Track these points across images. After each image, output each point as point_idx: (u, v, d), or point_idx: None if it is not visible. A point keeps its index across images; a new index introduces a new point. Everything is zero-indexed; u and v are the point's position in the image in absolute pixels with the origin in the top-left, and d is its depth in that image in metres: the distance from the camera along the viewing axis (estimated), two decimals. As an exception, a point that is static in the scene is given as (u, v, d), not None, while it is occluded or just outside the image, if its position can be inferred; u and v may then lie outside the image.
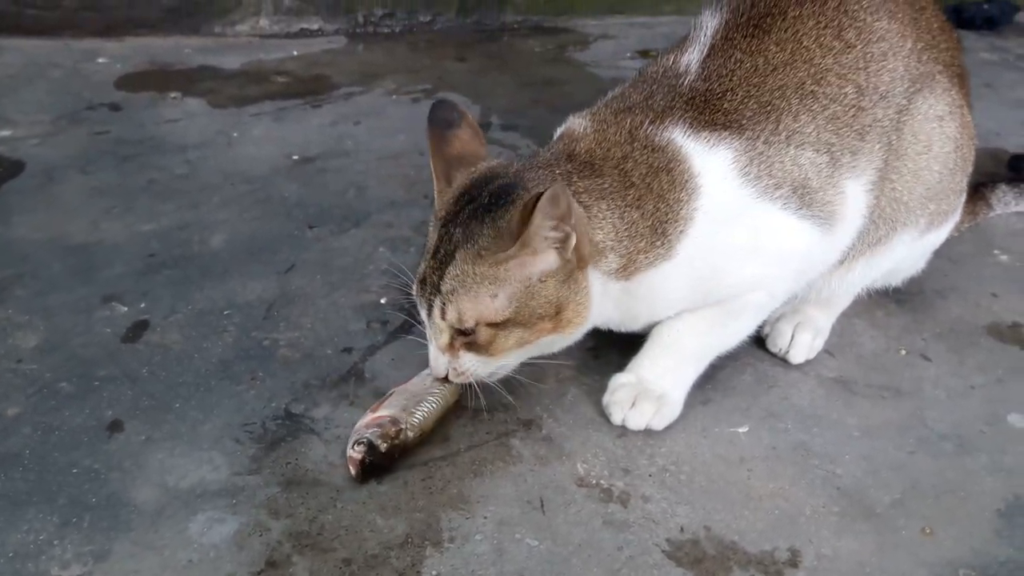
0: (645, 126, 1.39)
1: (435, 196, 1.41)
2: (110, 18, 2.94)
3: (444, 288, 1.31)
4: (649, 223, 1.35)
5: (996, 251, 2.01)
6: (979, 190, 2.06)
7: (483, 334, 1.32)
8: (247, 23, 3.10)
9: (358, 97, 2.67)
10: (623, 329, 1.49)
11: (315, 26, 3.17)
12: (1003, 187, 2.11)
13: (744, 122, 1.38)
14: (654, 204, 1.35)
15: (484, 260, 1.28)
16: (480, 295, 1.29)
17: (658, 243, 1.35)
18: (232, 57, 2.89)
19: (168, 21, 3.00)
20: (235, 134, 2.39)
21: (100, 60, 2.80)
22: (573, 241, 1.27)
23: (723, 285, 1.42)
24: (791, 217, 1.39)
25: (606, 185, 1.35)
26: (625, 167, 1.36)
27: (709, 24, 1.49)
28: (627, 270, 1.36)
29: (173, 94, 2.60)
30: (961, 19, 3.50)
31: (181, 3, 3.00)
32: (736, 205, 1.37)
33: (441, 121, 1.43)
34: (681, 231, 1.35)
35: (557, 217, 1.23)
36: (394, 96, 2.69)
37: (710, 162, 1.36)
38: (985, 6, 3.56)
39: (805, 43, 1.43)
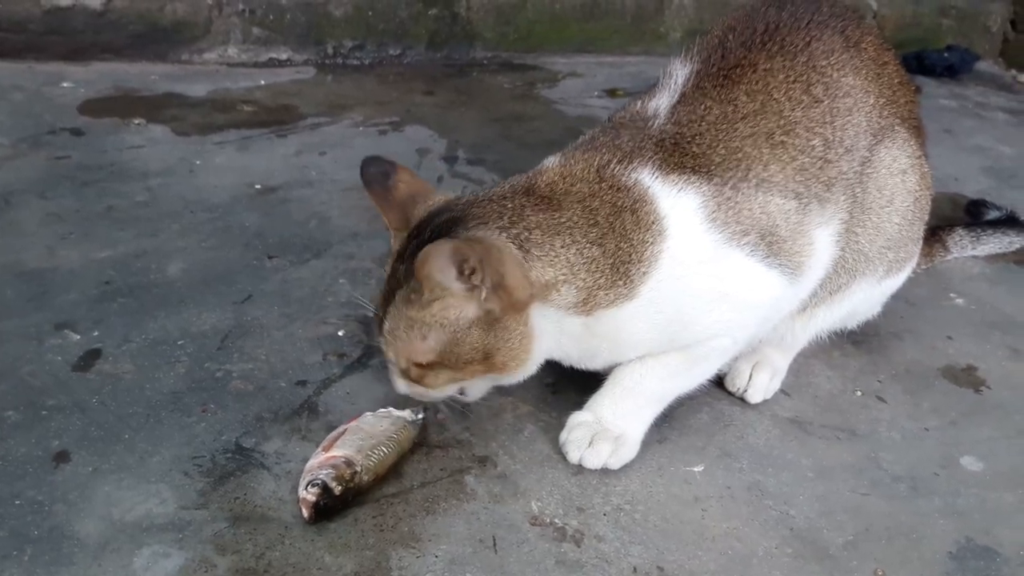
0: (612, 165, 1.39)
1: (391, 242, 1.43)
2: (76, 42, 2.92)
3: (385, 328, 1.34)
4: (610, 261, 1.34)
5: (952, 295, 2.04)
6: (936, 233, 2.09)
7: (413, 372, 1.35)
8: (215, 51, 3.09)
9: (325, 128, 2.67)
10: (582, 366, 1.48)
11: (284, 56, 3.17)
12: (960, 231, 2.14)
13: (712, 167, 1.39)
14: (616, 243, 1.34)
15: (412, 304, 1.31)
16: (411, 337, 1.32)
17: (620, 282, 1.35)
18: (199, 85, 2.88)
19: (135, 47, 2.98)
20: (198, 162, 2.37)
21: (64, 84, 2.78)
22: (484, 292, 1.27)
23: (689, 330, 1.42)
24: (758, 265, 1.39)
25: (564, 219, 1.35)
26: (591, 205, 1.36)
27: (679, 72, 1.51)
28: (587, 304, 1.35)
29: (137, 120, 2.58)
30: (922, 66, 3.57)
31: (149, 29, 2.99)
32: (702, 250, 1.37)
33: (377, 175, 1.45)
34: (645, 272, 1.35)
35: (459, 267, 1.25)
36: (361, 128, 2.69)
37: (677, 205, 1.36)
38: (946, 54, 3.64)
39: (775, 95, 1.45)
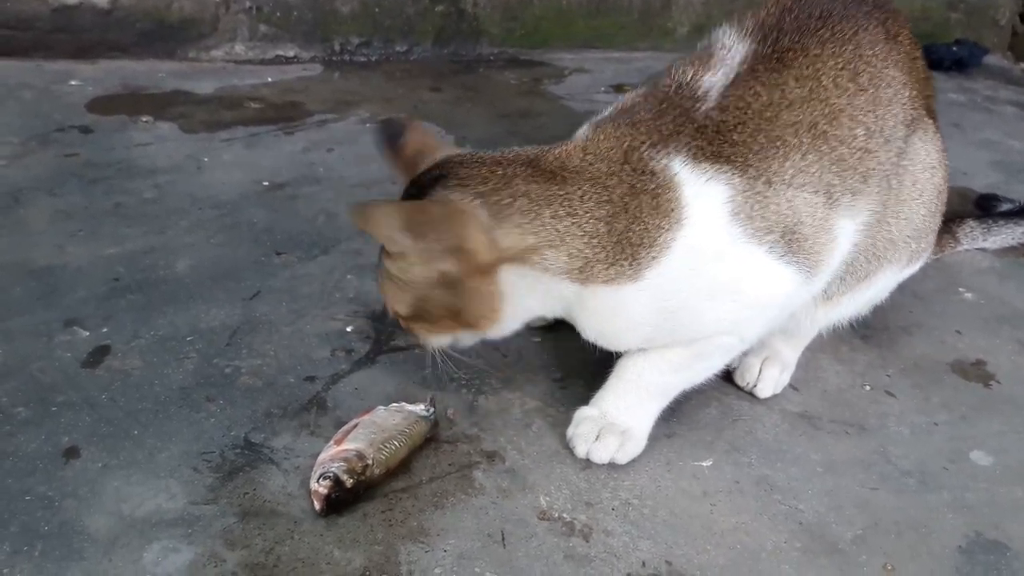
0: (644, 148, 1.35)
1: None
2: (84, 40, 2.93)
3: (377, 274, 1.41)
4: (615, 239, 1.32)
5: (961, 289, 2.03)
6: (946, 224, 2.07)
7: (402, 322, 1.40)
8: (222, 48, 3.10)
9: (332, 124, 2.67)
10: (598, 341, 1.45)
11: (291, 53, 3.17)
12: (971, 222, 2.14)
13: (750, 158, 1.35)
14: (627, 224, 1.32)
15: (384, 257, 1.36)
16: (390, 287, 1.37)
17: (624, 262, 1.32)
18: (206, 82, 2.89)
19: (142, 45, 2.99)
20: (206, 159, 2.38)
21: (72, 82, 2.78)
22: (436, 254, 1.30)
23: (695, 323, 1.40)
24: (775, 262, 1.36)
25: (563, 193, 1.32)
26: (608, 183, 1.33)
27: (737, 49, 1.44)
28: (582, 273, 1.33)
29: (145, 118, 2.58)
30: (930, 60, 3.49)
31: (156, 27, 3.00)
32: (721, 243, 1.34)
33: (390, 136, 1.49)
34: (655, 258, 1.32)
35: (408, 229, 1.28)
36: (368, 124, 2.69)
37: (703, 195, 1.33)
38: (955, 48, 3.63)
39: (824, 82, 1.41)
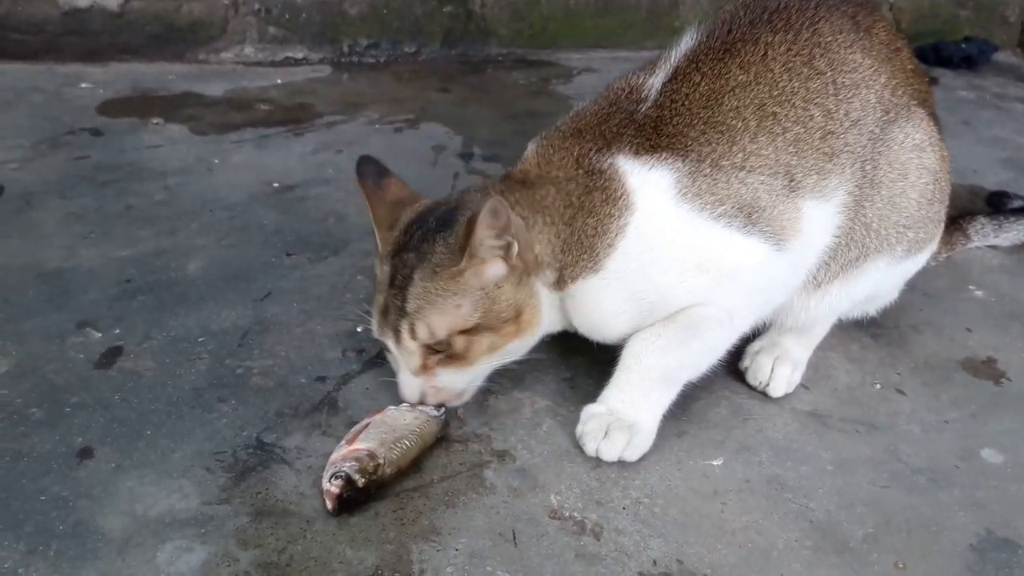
0: (591, 154, 1.44)
1: (378, 242, 1.50)
2: (94, 43, 2.94)
3: (409, 308, 1.38)
4: (577, 238, 1.41)
5: (971, 287, 2.03)
6: (956, 221, 2.08)
7: (458, 343, 1.39)
8: (232, 51, 3.11)
9: (341, 126, 2.67)
10: (595, 339, 1.52)
11: (300, 55, 3.18)
12: (981, 219, 2.13)
13: (689, 144, 1.42)
14: (583, 220, 1.41)
15: (440, 275, 1.37)
16: (446, 307, 1.37)
17: (584, 256, 1.41)
18: (216, 84, 2.90)
19: (152, 47, 3.00)
20: (216, 161, 2.39)
21: (83, 85, 2.80)
22: (516, 248, 1.36)
23: (666, 300, 1.44)
24: (735, 234, 1.41)
25: (537, 198, 1.43)
26: (567, 188, 1.43)
27: (682, 45, 1.52)
28: (559, 284, 1.44)
29: (155, 120, 2.59)
30: (940, 57, 3.55)
31: (166, 29, 3.01)
32: (672, 223, 1.40)
33: (372, 172, 1.55)
34: (610, 245, 1.40)
35: (498, 227, 1.35)
36: (377, 125, 2.70)
37: (647, 181, 1.40)
38: (964, 45, 3.61)
39: (772, 67, 1.46)
